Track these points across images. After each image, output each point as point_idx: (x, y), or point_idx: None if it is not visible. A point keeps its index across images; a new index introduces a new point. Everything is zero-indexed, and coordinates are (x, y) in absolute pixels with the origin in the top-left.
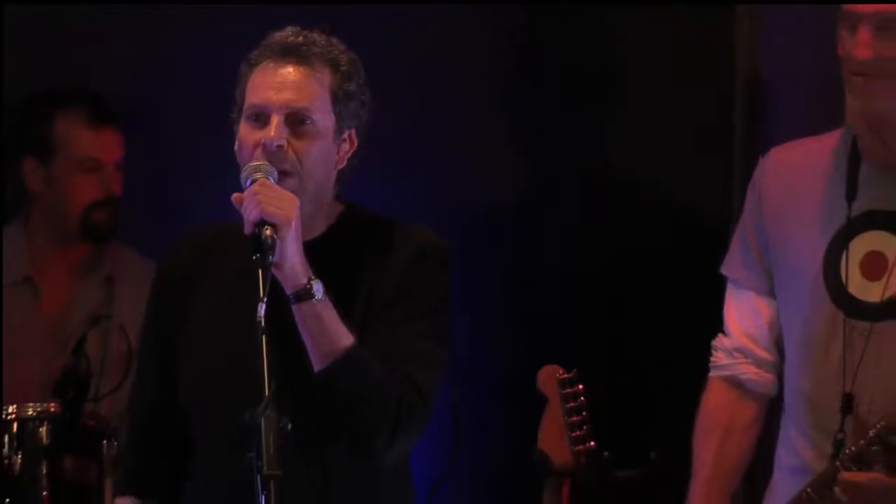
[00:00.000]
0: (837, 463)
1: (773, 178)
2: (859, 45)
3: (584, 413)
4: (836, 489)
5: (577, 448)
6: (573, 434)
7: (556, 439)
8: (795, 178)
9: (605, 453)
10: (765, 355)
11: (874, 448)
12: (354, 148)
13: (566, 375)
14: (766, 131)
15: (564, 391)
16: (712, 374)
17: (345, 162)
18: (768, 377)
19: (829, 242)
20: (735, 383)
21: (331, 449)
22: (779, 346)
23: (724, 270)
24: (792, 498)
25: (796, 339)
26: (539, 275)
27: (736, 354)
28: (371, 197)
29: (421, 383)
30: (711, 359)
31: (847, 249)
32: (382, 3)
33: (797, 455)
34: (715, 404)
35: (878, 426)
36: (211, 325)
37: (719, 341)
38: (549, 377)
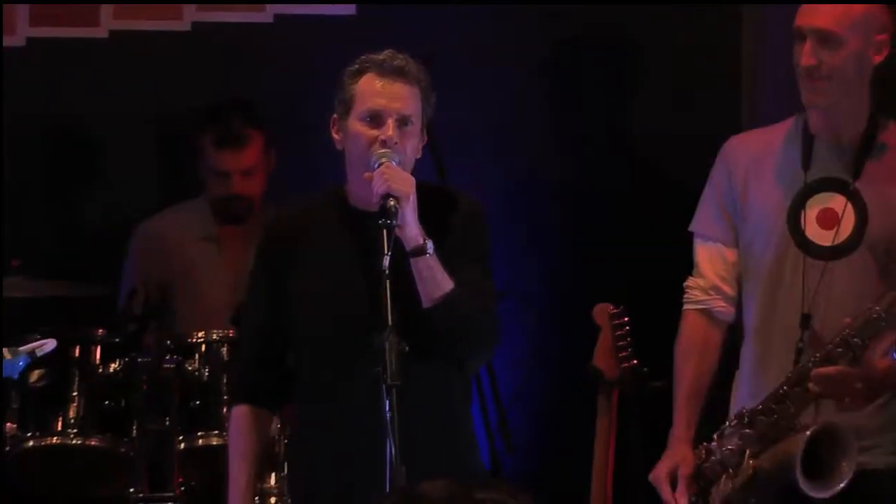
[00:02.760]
0: (809, 363)
1: (740, 155)
2: (805, 55)
3: (628, 339)
4: (810, 384)
5: (623, 365)
6: (620, 354)
7: (607, 358)
8: (758, 155)
9: (644, 368)
10: (730, 292)
11: (839, 349)
12: (425, 142)
13: (615, 310)
14: None
15: (614, 322)
16: (688, 307)
17: (420, 153)
18: (731, 309)
19: (791, 201)
20: (707, 314)
21: (425, 367)
22: (738, 283)
23: (693, 227)
24: (769, 395)
25: (764, 275)
26: (594, 233)
27: (710, 292)
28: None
29: (493, 316)
30: (687, 295)
31: (805, 206)
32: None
33: (758, 360)
34: (691, 331)
35: (844, 332)
36: (321, 271)
37: (694, 282)
38: (602, 311)
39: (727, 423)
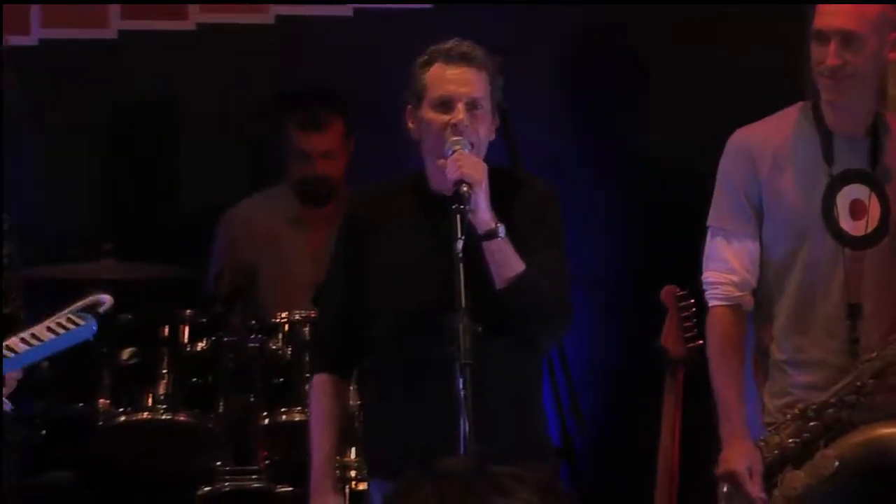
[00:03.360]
0: (886, 356)
1: (761, 147)
2: (830, 55)
3: (694, 320)
4: (893, 377)
5: (689, 345)
6: (686, 335)
7: (673, 338)
8: (778, 147)
9: None
10: (755, 284)
11: None
12: (496, 125)
13: (682, 292)
14: None
15: (680, 304)
16: (719, 303)
17: (493, 135)
18: (752, 300)
19: (822, 195)
20: (736, 309)
21: (498, 347)
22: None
23: (713, 222)
24: (841, 386)
25: (798, 267)
26: (662, 217)
27: (743, 287)
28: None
29: (565, 296)
30: (716, 291)
31: (835, 199)
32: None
33: (794, 351)
34: (727, 327)
35: None
36: (398, 252)
37: (723, 277)
38: (670, 293)
39: (785, 415)
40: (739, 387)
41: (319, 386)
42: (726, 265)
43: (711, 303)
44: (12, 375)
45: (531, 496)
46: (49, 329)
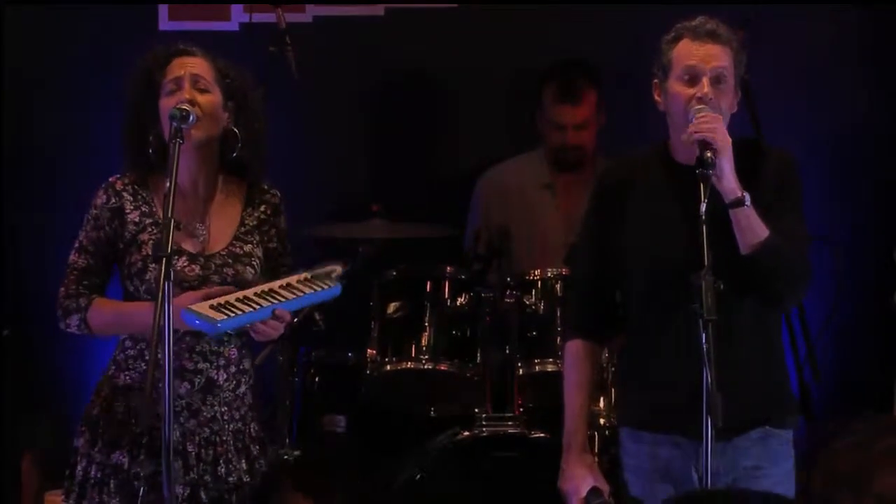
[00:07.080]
0: None
1: None
2: None
3: None
4: None
5: None
6: None
7: None
8: None
9: None
10: None
11: None
12: (738, 98)
13: None
14: None
15: None
16: None
17: (735, 108)
18: None
19: None
20: None
21: (743, 305)
22: None
23: None
24: None
25: None
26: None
27: None
28: None
29: (805, 259)
30: None
31: None
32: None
33: None
34: None
35: None
36: (646, 218)
37: None
38: None
39: None
40: None
41: (571, 352)
42: None
43: None
44: (286, 318)
45: None
46: (304, 284)
